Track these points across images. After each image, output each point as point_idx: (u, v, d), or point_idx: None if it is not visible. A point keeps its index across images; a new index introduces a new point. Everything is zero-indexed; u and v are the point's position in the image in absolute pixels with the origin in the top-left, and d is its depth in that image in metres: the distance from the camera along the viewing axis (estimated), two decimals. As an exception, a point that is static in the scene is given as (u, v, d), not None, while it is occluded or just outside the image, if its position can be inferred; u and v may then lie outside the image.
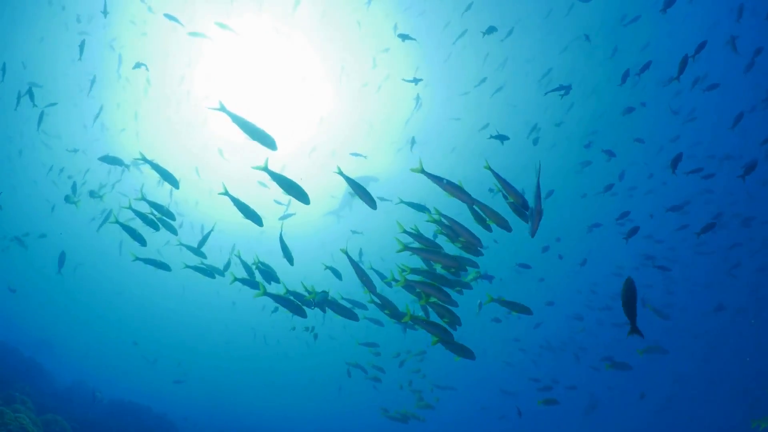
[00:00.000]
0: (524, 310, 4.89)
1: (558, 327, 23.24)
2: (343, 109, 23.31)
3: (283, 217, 11.12)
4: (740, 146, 18.76)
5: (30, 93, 9.05)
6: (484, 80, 15.76)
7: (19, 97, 9.14)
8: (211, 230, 7.10)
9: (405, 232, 4.77)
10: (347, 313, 4.88)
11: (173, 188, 5.77)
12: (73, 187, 11.02)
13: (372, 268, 6.11)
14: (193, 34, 11.83)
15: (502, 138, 8.36)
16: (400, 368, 11.08)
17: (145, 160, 5.91)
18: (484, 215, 4.30)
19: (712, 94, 16.24)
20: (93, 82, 14.31)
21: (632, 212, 10.61)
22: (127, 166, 9.44)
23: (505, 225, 4.33)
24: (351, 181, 4.51)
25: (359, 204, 20.86)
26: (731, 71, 16.84)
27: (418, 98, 16.22)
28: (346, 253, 5.06)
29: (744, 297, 23.58)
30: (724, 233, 18.57)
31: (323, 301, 4.85)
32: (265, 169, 4.39)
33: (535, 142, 14.14)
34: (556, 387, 13.30)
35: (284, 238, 5.69)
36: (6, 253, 20.68)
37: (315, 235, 27.27)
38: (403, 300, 5.30)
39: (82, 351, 29.59)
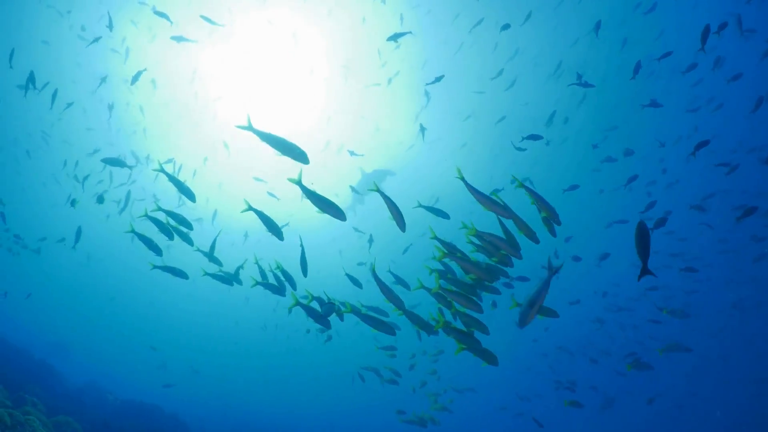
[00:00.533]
0: (550, 313, 4.69)
1: (573, 327, 22.99)
2: (352, 107, 23.07)
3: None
4: (753, 138, 18.36)
5: (31, 78, 9.10)
6: (501, 72, 15.42)
7: (27, 85, 9.24)
8: (218, 236, 6.95)
9: (435, 238, 4.68)
10: (383, 328, 4.70)
11: (189, 201, 5.74)
12: (84, 180, 11.00)
13: (390, 271, 5.94)
14: (177, 38, 11.46)
15: (534, 138, 8.13)
16: (411, 371, 10.84)
17: (162, 171, 5.89)
18: (517, 227, 4.36)
19: (724, 83, 15.82)
20: (103, 80, 14.28)
21: (649, 209, 10.21)
22: (130, 167, 9.36)
23: (533, 237, 4.42)
24: (388, 200, 4.41)
25: (370, 199, 20.60)
26: (749, 59, 16.43)
27: (427, 94, 15.95)
28: (373, 272, 5.01)
29: (762, 293, 23.11)
30: (743, 227, 18.17)
31: (330, 312, 4.73)
32: (299, 184, 4.26)
33: (548, 142, 13.66)
34: (570, 385, 13.05)
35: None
36: (18, 258, 20.70)
37: (320, 230, 27.09)
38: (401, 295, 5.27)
39: (93, 352, 29.70)
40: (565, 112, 18.64)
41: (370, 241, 11.42)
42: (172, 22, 10.74)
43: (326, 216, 4.28)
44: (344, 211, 4.24)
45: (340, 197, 23.85)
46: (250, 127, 4.21)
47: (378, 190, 4.55)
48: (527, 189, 4.32)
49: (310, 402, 32.69)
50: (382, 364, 9.57)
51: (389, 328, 4.70)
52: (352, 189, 14.23)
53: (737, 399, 26.92)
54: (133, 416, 14.83)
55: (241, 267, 6.42)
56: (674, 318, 10.72)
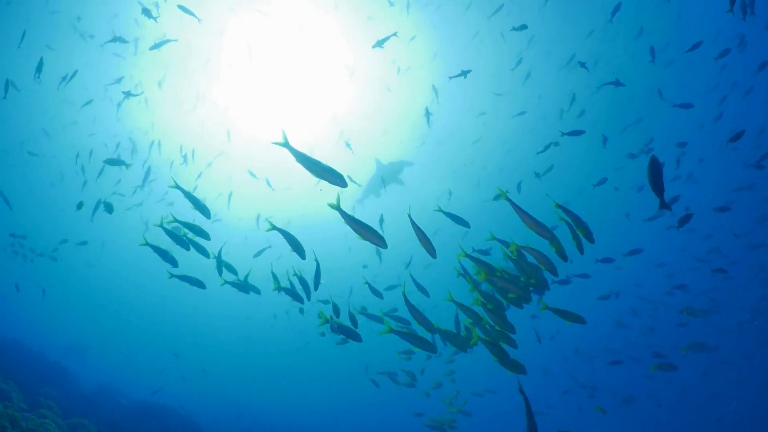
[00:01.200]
0: (578, 319, 4.71)
1: (589, 328, 22.52)
2: (363, 103, 22.78)
3: (258, 254, 10.77)
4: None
5: (39, 66, 9.45)
6: (520, 61, 15.01)
7: (37, 72, 9.48)
8: (221, 249, 6.80)
9: (466, 255, 4.75)
10: (424, 345, 4.59)
11: (205, 217, 5.75)
12: (99, 174, 11.07)
13: (412, 277, 5.85)
14: (157, 45, 11.21)
15: (576, 133, 7.93)
16: (422, 375, 10.59)
17: (178, 187, 5.95)
18: (551, 245, 4.39)
19: (745, 68, 15.34)
20: (118, 80, 14.36)
21: (673, 204, 9.80)
22: (128, 166, 9.63)
23: (563, 256, 4.47)
24: (417, 228, 4.41)
25: (384, 192, 20.29)
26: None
27: (434, 90, 15.49)
28: (405, 298, 5.01)
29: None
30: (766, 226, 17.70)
31: (340, 328, 4.67)
32: (338, 208, 4.08)
33: (557, 144, 12.94)
34: (591, 390, 12.80)
35: (290, 232, 5.37)
36: (34, 264, 20.75)
37: (322, 224, 26.81)
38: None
39: (107, 353, 29.87)
40: (580, 105, 18.26)
41: (381, 221, 11.33)
42: (156, 19, 10.65)
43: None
44: (383, 238, 4.07)
45: (349, 191, 23.57)
46: (286, 144, 3.95)
47: (409, 217, 4.49)
48: (563, 208, 4.41)
49: (321, 400, 32.66)
50: (397, 365, 9.39)
51: (431, 346, 4.61)
52: (350, 179, 13.96)
53: (757, 399, 26.21)
54: (147, 417, 14.85)
55: (247, 277, 6.35)
56: (695, 318, 10.37)
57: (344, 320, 5.61)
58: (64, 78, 12.63)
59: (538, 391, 22.21)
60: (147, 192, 18.50)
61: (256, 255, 10.40)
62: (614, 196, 20.14)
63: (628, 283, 21.80)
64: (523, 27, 9.77)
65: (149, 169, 12.84)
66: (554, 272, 4.37)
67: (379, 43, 9.98)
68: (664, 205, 3.87)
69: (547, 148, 9.76)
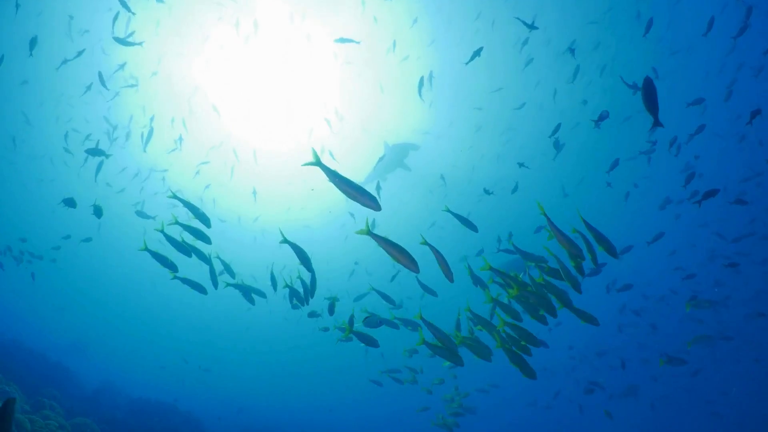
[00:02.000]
0: (591, 320, 4.80)
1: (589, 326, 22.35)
2: (362, 91, 22.39)
3: (220, 274, 10.60)
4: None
5: (32, 42, 9.63)
6: (526, 41, 14.64)
7: (31, 45, 9.64)
8: (211, 262, 6.63)
9: (491, 269, 4.81)
10: (454, 359, 4.55)
11: (205, 226, 5.75)
12: (100, 154, 11.21)
13: (419, 281, 5.77)
14: (122, 41, 10.94)
15: (602, 118, 7.74)
16: (421, 373, 10.50)
17: (176, 197, 5.97)
18: (572, 260, 4.43)
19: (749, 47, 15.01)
20: (121, 66, 14.24)
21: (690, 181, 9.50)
22: (108, 156, 9.72)
23: (581, 271, 4.52)
24: (436, 251, 4.40)
25: (391, 178, 20.06)
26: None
27: (431, 76, 15.00)
28: (423, 319, 4.95)
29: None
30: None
31: (375, 324, 4.64)
32: (370, 232, 3.99)
33: (557, 147, 12.31)
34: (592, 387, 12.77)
35: (290, 239, 5.35)
36: (32, 264, 20.66)
37: (321, 217, 26.64)
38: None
39: (108, 351, 29.84)
40: (581, 95, 18.01)
41: (378, 189, 11.14)
42: (134, 13, 10.55)
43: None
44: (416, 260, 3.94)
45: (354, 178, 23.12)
46: (318, 163, 3.78)
47: (426, 243, 4.49)
48: (586, 224, 4.47)
49: (322, 394, 32.71)
50: (401, 361, 9.32)
51: (459, 359, 4.61)
52: (332, 156, 13.88)
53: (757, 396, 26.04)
54: (149, 415, 14.93)
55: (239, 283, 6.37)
56: (701, 310, 10.25)
57: (341, 320, 5.57)
58: (64, 61, 12.60)
59: (537, 390, 22.16)
60: (147, 178, 18.35)
61: (220, 274, 10.24)
62: (613, 186, 20.03)
63: (632, 275, 21.64)
64: (533, 27, 9.37)
65: (151, 130, 12.78)
66: (578, 288, 4.37)
67: (342, 41, 10.33)
68: (658, 123, 4.10)
69: (555, 131, 9.49)
